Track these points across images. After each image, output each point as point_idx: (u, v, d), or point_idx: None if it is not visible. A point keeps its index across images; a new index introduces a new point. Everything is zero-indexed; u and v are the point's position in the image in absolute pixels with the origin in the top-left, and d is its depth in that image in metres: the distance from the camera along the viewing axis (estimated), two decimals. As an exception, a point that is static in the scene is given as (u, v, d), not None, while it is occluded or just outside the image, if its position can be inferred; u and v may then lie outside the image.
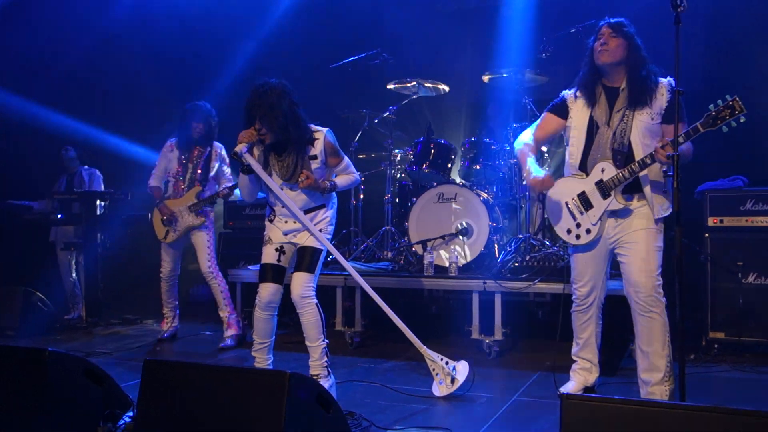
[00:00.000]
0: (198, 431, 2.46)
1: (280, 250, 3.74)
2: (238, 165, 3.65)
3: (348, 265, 3.89)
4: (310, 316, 3.65)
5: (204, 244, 5.27)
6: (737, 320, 4.68)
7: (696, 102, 3.38)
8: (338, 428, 2.66)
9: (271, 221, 3.80)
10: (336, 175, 3.86)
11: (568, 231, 3.57)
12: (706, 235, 4.81)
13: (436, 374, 3.78)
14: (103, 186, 6.64)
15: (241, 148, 3.51)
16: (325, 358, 3.70)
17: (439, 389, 3.75)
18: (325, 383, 3.59)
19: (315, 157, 3.69)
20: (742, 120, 2.96)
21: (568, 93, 3.62)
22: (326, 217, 3.81)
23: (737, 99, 2.96)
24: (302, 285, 3.64)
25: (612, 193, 3.39)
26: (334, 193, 3.87)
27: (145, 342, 5.44)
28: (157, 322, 5.89)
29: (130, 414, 3.04)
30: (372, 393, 3.85)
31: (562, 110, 3.61)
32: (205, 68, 7.24)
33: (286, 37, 7.12)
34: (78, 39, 7.06)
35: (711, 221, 4.80)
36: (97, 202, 6.27)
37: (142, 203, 6.61)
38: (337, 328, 5.14)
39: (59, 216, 6.35)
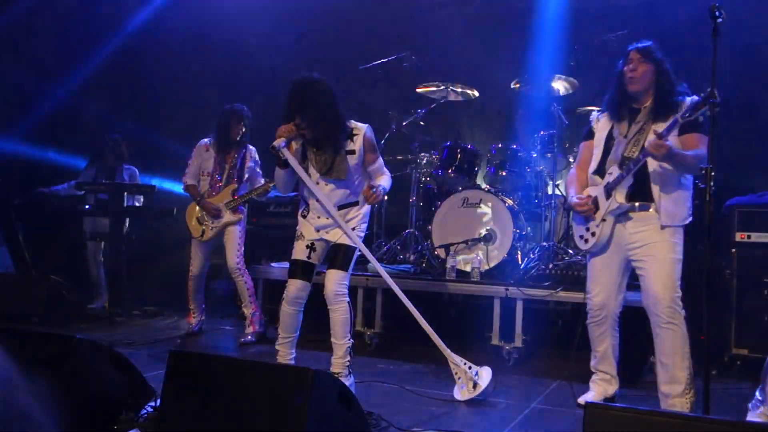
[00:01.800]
0: (220, 424, 2.49)
1: (311, 247, 3.76)
2: (275, 159, 3.66)
3: (377, 264, 3.90)
4: (341, 313, 3.68)
5: (235, 239, 5.32)
6: (762, 337, 4.62)
7: (730, 119, 3.37)
8: (359, 427, 2.68)
9: (304, 217, 3.82)
10: (373, 177, 3.86)
11: (580, 236, 3.66)
12: (733, 250, 4.75)
13: (458, 378, 3.78)
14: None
15: (279, 142, 3.53)
16: (348, 358, 3.72)
17: (461, 393, 3.75)
18: (345, 382, 3.61)
19: (353, 153, 3.70)
20: (716, 109, 2.95)
21: (594, 117, 3.75)
22: (359, 214, 3.82)
23: (713, 90, 2.95)
24: (336, 282, 3.67)
25: (613, 193, 3.43)
26: None
27: (168, 335, 5.49)
28: (181, 317, 5.94)
29: (152, 404, 3.08)
30: (391, 394, 3.86)
31: (590, 135, 3.73)
32: (236, 69, 7.31)
33: (316, 38, 7.17)
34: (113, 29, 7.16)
35: (738, 236, 4.74)
36: (125, 194, 6.34)
37: (168, 198, 6.70)
38: (357, 329, 5.15)
39: (86, 207, 6.45)
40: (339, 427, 2.54)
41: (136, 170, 6.68)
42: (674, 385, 3.36)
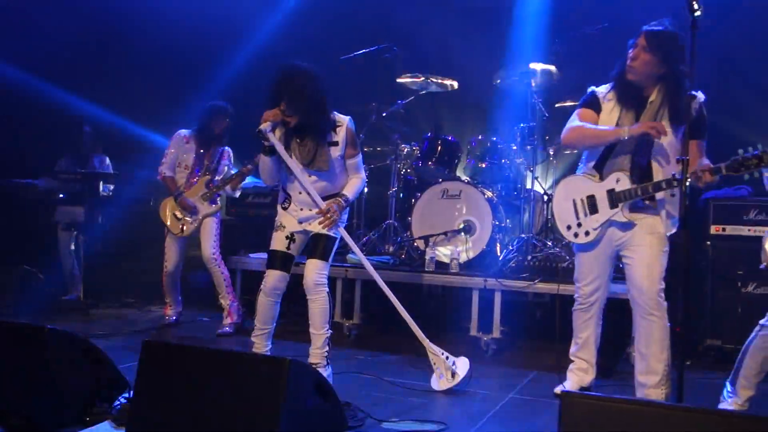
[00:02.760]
0: (195, 414, 2.46)
1: (291, 238, 3.74)
2: (260, 146, 3.63)
3: (360, 253, 3.92)
4: (320, 303, 3.67)
5: (211, 230, 5.28)
6: (735, 328, 4.68)
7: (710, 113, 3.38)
8: (335, 417, 2.67)
9: (285, 208, 3.79)
10: (349, 173, 3.84)
11: (568, 227, 3.58)
12: (708, 242, 4.81)
13: (437, 368, 3.78)
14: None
15: (265, 126, 3.50)
16: (327, 348, 3.71)
17: (439, 383, 3.75)
18: (323, 373, 3.59)
19: (336, 144, 3.69)
20: (766, 174, 2.98)
21: (597, 90, 3.54)
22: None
23: (767, 152, 2.93)
24: (316, 272, 3.66)
25: (620, 205, 3.38)
26: None
27: (144, 326, 5.43)
28: (158, 308, 5.88)
29: (126, 395, 3.05)
30: (369, 385, 3.86)
31: (595, 104, 3.50)
32: (215, 58, 7.22)
33: (297, 28, 7.11)
34: (84, 15, 7.02)
35: (713, 229, 4.80)
36: (101, 183, 6.25)
37: (144, 187, 6.61)
38: (336, 320, 5.13)
39: (61, 196, 6.34)
40: (315, 417, 2.53)
41: (107, 159, 6.58)
42: (651, 376, 3.38)
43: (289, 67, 3.58)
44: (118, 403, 3.04)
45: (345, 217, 3.88)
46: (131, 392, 2.85)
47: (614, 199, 3.39)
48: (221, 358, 2.56)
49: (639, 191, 3.30)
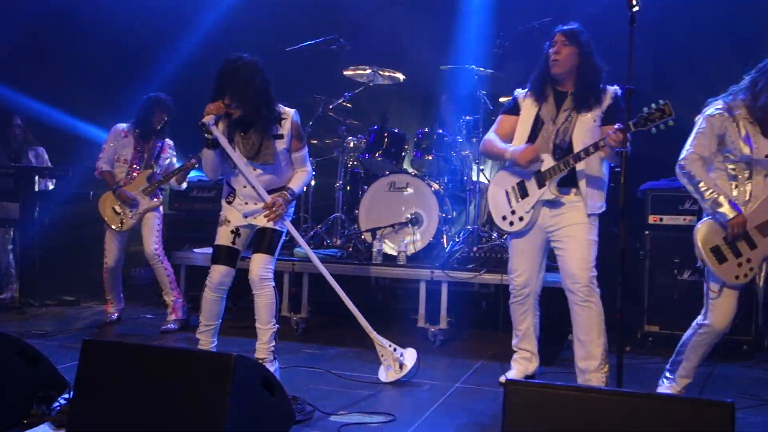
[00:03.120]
0: (139, 414, 2.42)
1: (236, 233, 3.70)
2: (203, 139, 3.57)
3: (306, 246, 3.91)
4: (266, 298, 3.63)
5: (153, 226, 5.17)
6: (671, 315, 4.84)
7: (645, 103, 3.48)
8: (283, 411, 2.66)
9: (229, 203, 3.75)
10: (294, 166, 3.82)
11: (504, 218, 3.69)
12: (647, 232, 4.95)
13: (384, 360, 3.80)
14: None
15: (209, 119, 3.44)
16: (273, 343, 3.69)
17: (387, 375, 3.77)
18: (270, 368, 3.57)
19: (281, 137, 3.65)
20: (670, 123, 3.07)
21: (519, 93, 3.75)
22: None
23: (668, 104, 3.07)
24: (261, 266, 3.62)
25: (547, 183, 3.50)
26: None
27: (84, 324, 5.30)
28: (99, 306, 5.74)
29: (66, 396, 2.97)
30: (317, 378, 3.85)
31: (515, 110, 3.72)
32: (156, 48, 7.06)
33: (242, 18, 7.01)
34: (21, 7, 6.79)
35: (651, 219, 4.95)
36: (36, 178, 6.05)
37: (83, 181, 6.43)
38: (283, 314, 5.11)
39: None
40: (262, 412, 2.51)
41: (43, 150, 6.37)
42: (590, 361, 3.49)
43: (233, 60, 3.52)
44: (58, 404, 2.95)
45: (291, 210, 3.86)
46: (71, 393, 2.77)
47: (541, 178, 3.51)
48: (164, 356, 2.51)
49: (562, 165, 3.43)
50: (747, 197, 3.21)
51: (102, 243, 5.27)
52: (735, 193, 3.24)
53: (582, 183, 3.49)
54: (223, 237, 3.71)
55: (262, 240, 3.67)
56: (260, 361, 3.58)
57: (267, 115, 3.58)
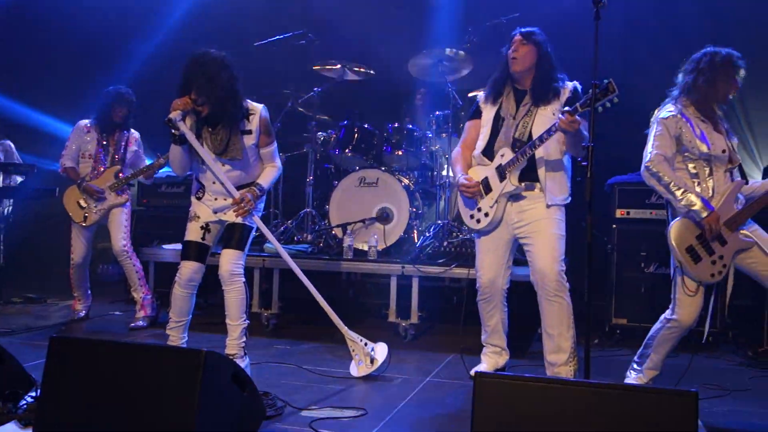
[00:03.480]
0: (107, 411, 2.39)
1: (206, 229, 3.69)
2: (170, 136, 3.53)
3: (276, 242, 3.89)
4: (236, 293, 3.62)
5: (121, 222, 5.12)
6: (639, 307, 4.93)
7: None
8: (253, 407, 2.65)
9: (199, 198, 3.73)
10: (264, 162, 3.81)
11: (471, 216, 3.73)
12: (614, 226, 5.03)
13: (356, 355, 3.81)
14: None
15: (175, 115, 3.41)
16: (243, 339, 3.68)
17: (358, 369, 3.79)
18: (240, 363, 3.56)
19: (249, 132, 3.64)
20: (615, 101, 3.13)
21: (480, 96, 3.82)
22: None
23: (611, 81, 3.13)
24: (231, 261, 3.61)
25: (508, 176, 3.54)
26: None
27: (51, 322, 5.23)
28: (66, 303, 5.65)
29: (33, 394, 2.93)
30: (288, 374, 3.85)
31: (477, 113, 3.80)
32: (123, 42, 6.97)
33: (210, 12, 6.94)
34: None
35: (618, 213, 5.02)
36: (1, 174, 5.94)
37: (49, 177, 6.33)
38: (254, 310, 5.09)
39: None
40: (233, 408, 2.50)
41: (11, 144, 6.25)
42: (559, 354, 3.54)
43: (200, 55, 3.49)
44: (24, 402, 2.92)
45: (261, 206, 3.85)
46: (38, 391, 2.73)
47: (502, 172, 3.56)
48: (133, 352, 2.49)
49: (520, 156, 3.49)
50: (710, 193, 3.26)
51: (68, 239, 5.20)
52: (698, 189, 3.27)
53: (543, 176, 3.55)
54: (193, 233, 3.69)
55: (232, 235, 3.65)
56: (231, 357, 3.57)
57: (234, 111, 3.55)
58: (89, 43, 6.99)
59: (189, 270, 3.66)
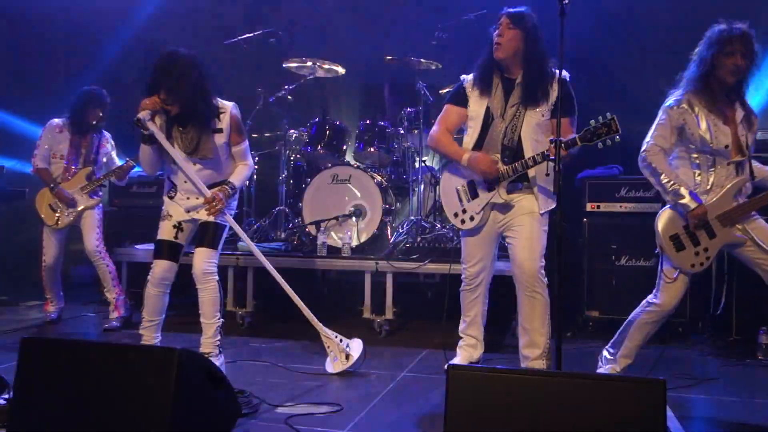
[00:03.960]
0: (81, 411, 2.38)
1: (178, 227, 3.69)
2: (140, 136, 3.52)
3: (249, 240, 3.92)
4: (210, 292, 3.63)
5: (93, 223, 5.06)
6: (610, 299, 5.00)
7: (580, 94, 3.56)
8: (228, 405, 2.65)
9: (171, 198, 3.72)
10: (235, 160, 3.81)
11: (455, 215, 3.71)
12: (585, 219, 5.09)
13: (331, 351, 3.82)
14: None
15: (144, 115, 3.42)
16: (218, 337, 3.69)
17: (333, 366, 3.80)
18: (216, 362, 3.56)
19: (221, 131, 3.64)
20: (617, 139, 3.09)
21: (466, 79, 3.65)
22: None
23: (615, 119, 3.07)
24: (205, 260, 3.62)
25: (496, 187, 3.51)
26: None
27: (23, 324, 5.16)
28: (38, 305, 5.57)
29: (6, 396, 2.90)
30: (263, 372, 3.85)
31: (461, 99, 3.63)
32: (91, 42, 6.88)
33: (179, 11, 6.89)
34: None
35: (589, 206, 5.08)
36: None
37: (18, 179, 6.24)
38: (229, 309, 5.08)
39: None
40: (208, 406, 2.50)
41: None
42: (534, 349, 3.57)
43: (168, 54, 3.49)
44: (-3, 404, 2.89)
45: (234, 204, 3.85)
46: (11, 393, 2.70)
47: (491, 182, 3.52)
48: (106, 352, 2.47)
49: (511, 171, 3.44)
50: (708, 186, 3.25)
51: (37, 240, 5.13)
52: (698, 179, 3.27)
53: (533, 179, 3.50)
54: (165, 232, 3.69)
55: (205, 234, 3.66)
56: (206, 355, 3.56)
57: (204, 110, 3.55)
58: (58, 42, 6.91)
59: (161, 269, 3.65)
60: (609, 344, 3.58)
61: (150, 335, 3.74)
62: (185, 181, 3.64)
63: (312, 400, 3.32)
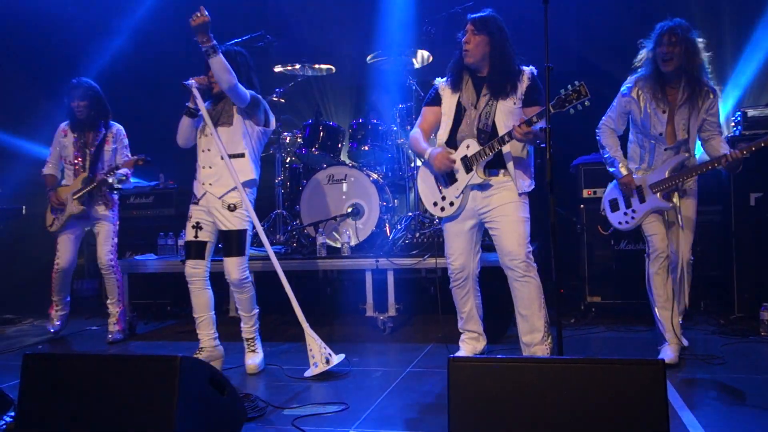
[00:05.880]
0: (86, 423, 2.39)
1: (197, 227, 3.93)
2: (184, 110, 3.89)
3: (266, 242, 4.02)
4: (246, 293, 3.96)
5: (108, 234, 5.00)
6: (612, 285, 5.02)
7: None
8: (233, 409, 2.66)
9: (194, 203, 3.98)
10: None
11: (435, 204, 3.76)
12: (581, 206, 5.11)
13: (312, 355, 3.78)
14: None
15: (192, 82, 3.84)
16: (257, 325, 4.04)
17: (312, 370, 3.75)
18: (258, 346, 4.02)
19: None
20: (586, 104, 3.23)
21: (439, 81, 3.80)
22: (247, 168, 3.92)
23: (583, 84, 3.20)
24: (237, 269, 3.89)
25: (474, 168, 3.56)
26: (258, 156, 4.05)
27: (28, 341, 5.15)
28: (40, 322, 5.56)
29: (12, 414, 2.90)
30: (269, 375, 3.87)
31: (436, 99, 3.78)
32: (79, 51, 6.87)
33: (167, 17, 6.88)
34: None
35: (585, 193, 5.10)
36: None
37: (15, 196, 6.25)
38: (231, 315, 5.09)
39: None
40: (212, 411, 2.51)
41: None
42: (534, 334, 3.58)
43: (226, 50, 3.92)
44: (3, 422, 2.89)
45: (253, 197, 4.03)
46: (15, 410, 2.71)
47: (468, 163, 3.58)
48: (108, 363, 2.48)
49: (487, 150, 3.51)
50: (646, 164, 3.86)
51: (41, 256, 5.11)
52: (643, 157, 3.86)
53: (510, 164, 3.57)
54: (188, 233, 3.98)
55: (230, 244, 3.89)
56: (248, 341, 4.00)
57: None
58: (45, 54, 6.87)
59: (188, 267, 3.96)
60: (657, 328, 3.84)
61: (203, 332, 3.98)
62: (203, 151, 3.92)
63: (318, 400, 3.33)
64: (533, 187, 3.66)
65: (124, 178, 4.94)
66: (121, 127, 5.10)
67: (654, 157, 3.81)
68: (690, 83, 3.67)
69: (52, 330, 5.17)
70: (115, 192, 5.06)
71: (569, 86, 3.22)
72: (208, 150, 3.90)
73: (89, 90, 4.93)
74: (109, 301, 5.07)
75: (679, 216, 3.76)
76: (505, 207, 3.56)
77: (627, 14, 5.93)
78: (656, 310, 3.80)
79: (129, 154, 5.06)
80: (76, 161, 4.95)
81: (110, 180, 4.88)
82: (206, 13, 3.67)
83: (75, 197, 4.91)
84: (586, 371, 2.09)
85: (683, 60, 3.61)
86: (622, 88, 3.84)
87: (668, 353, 3.70)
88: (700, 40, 3.67)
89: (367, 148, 5.64)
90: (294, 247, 5.43)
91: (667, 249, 3.77)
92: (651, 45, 3.69)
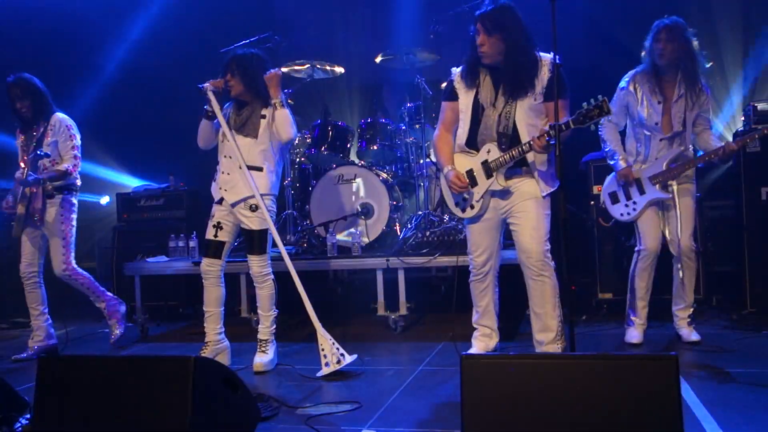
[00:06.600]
0: (101, 425, 2.40)
1: (218, 226, 4.04)
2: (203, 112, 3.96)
3: (278, 238, 4.02)
4: (266, 289, 4.05)
5: (56, 247, 4.58)
6: (623, 281, 4.98)
7: (578, 79, 3.58)
8: (247, 409, 2.67)
9: (219, 203, 4.05)
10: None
11: (456, 204, 3.74)
12: (592, 202, 5.09)
13: (324, 354, 3.79)
14: None
15: (207, 85, 3.91)
16: (274, 326, 4.08)
17: (324, 369, 3.75)
18: (271, 348, 4.05)
19: (265, 117, 4.00)
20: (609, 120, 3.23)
21: (455, 73, 3.68)
22: (262, 182, 3.96)
23: (606, 100, 3.15)
24: (258, 265, 4.02)
25: (494, 174, 3.52)
26: (278, 168, 4.13)
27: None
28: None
29: (28, 416, 2.93)
30: (282, 374, 3.88)
31: (452, 93, 3.68)
32: (88, 52, 6.91)
33: (175, 20, 6.91)
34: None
35: (595, 189, 5.07)
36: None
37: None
38: (243, 316, 5.11)
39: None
40: (226, 411, 2.52)
41: None
42: (547, 333, 3.57)
43: (241, 50, 4.10)
44: (19, 425, 2.92)
45: (273, 206, 4.08)
46: (32, 413, 2.73)
47: (488, 169, 3.54)
48: (121, 365, 2.50)
49: (508, 157, 3.45)
50: (643, 157, 4.05)
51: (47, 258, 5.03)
52: (639, 149, 4.07)
53: (531, 164, 3.51)
54: (208, 231, 4.08)
55: (252, 243, 4.01)
56: (262, 342, 4.05)
57: (262, 96, 3.97)
58: (55, 56, 6.90)
59: (204, 264, 4.07)
60: (627, 305, 4.21)
61: (210, 326, 4.06)
62: (225, 156, 3.99)
63: (331, 399, 3.34)
64: (558, 185, 3.60)
65: (56, 175, 4.51)
66: (64, 117, 4.61)
67: (650, 149, 4.02)
68: (686, 80, 3.92)
69: (23, 355, 4.63)
70: (60, 194, 4.58)
71: (592, 100, 3.17)
72: (229, 157, 3.98)
73: (29, 86, 4.52)
74: (94, 302, 4.89)
75: (677, 202, 3.98)
76: (527, 203, 3.53)
77: (634, 13, 5.89)
78: (636, 301, 4.15)
79: (76, 146, 4.59)
80: (22, 163, 4.53)
81: (42, 178, 4.48)
82: (281, 71, 4.03)
83: (19, 202, 4.52)
84: (599, 367, 2.08)
85: (679, 55, 3.87)
86: (621, 83, 4.07)
87: (635, 335, 4.14)
88: (695, 40, 3.90)
89: (376, 148, 5.64)
90: (304, 247, 5.44)
91: (657, 249, 4.05)
92: (648, 41, 3.95)
